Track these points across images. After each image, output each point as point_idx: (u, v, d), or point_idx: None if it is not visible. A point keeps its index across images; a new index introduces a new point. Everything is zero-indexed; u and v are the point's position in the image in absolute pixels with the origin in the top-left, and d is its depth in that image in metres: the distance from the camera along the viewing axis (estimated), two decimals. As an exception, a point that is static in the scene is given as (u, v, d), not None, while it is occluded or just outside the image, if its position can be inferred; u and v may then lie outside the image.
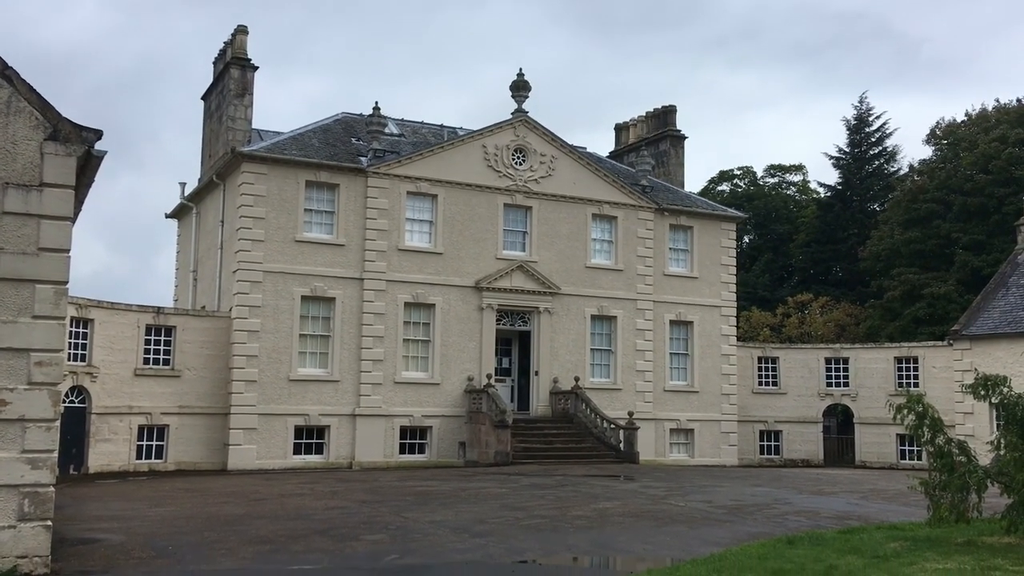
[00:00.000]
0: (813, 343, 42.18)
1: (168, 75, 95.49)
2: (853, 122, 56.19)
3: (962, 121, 49.60)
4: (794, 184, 64.80)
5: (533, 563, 12.06)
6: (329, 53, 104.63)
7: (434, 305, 30.49)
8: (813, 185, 62.11)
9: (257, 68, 31.18)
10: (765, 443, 36.93)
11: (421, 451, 29.92)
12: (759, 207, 58.99)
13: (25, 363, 10.77)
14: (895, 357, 36.12)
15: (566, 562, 12.43)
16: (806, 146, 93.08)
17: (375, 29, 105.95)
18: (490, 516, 15.91)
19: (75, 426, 25.27)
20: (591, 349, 32.90)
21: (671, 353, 34.60)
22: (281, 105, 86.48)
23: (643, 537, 14.08)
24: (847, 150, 56.13)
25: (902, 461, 35.04)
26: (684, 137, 39.32)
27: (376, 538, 13.67)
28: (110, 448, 26.18)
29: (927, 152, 52.65)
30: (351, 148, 31.00)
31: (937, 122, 51.01)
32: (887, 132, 55.88)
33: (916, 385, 34.33)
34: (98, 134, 11.59)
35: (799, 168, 64.86)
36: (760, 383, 37.11)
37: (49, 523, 10.69)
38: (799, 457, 36.43)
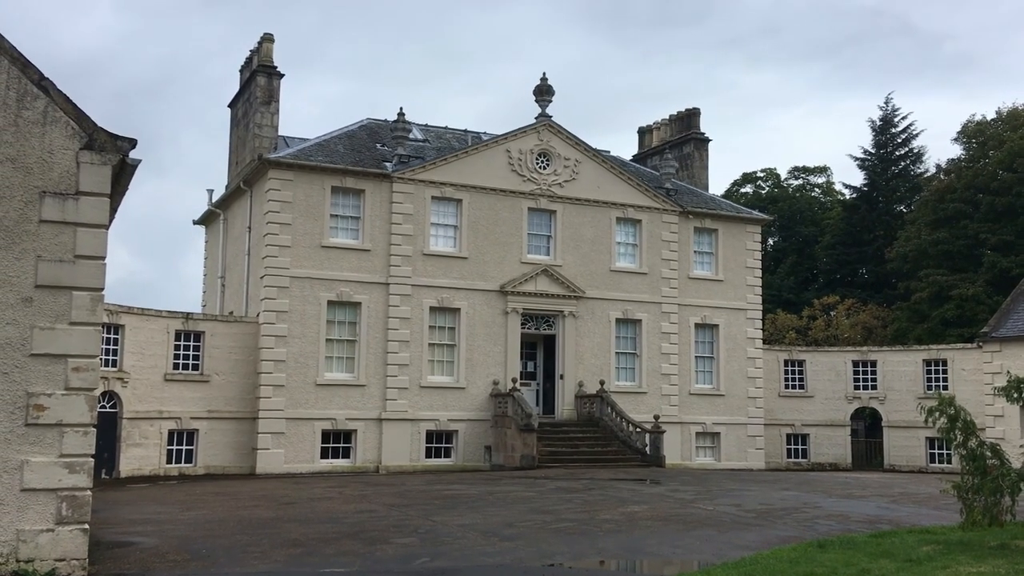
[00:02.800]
0: (840, 346, 41.88)
1: (186, 79, 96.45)
2: (879, 123, 55.79)
3: (992, 119, 49.08)
4: (818, 186, 64.40)
5: (563, 567, 12.08)
6: (344, 56, 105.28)
7: (459, 309, 30.60)
8: (838, 187, 61.70)
9: (283, 76, 31.49)
10: (792, 447, 36.71)
11: (447, 455, 30.02)
12: (783, 209, 58.66)
13: (63, 369, 10.94)
14: (924, 360, 35.80)
15: (596, 566, 12.44)
16: (829, 146, 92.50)
17: (390, 32, 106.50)
18: (518, 520, 15.95)
19: (107, 431, 25.57)
20: (616, 352, 32.87)
21: (696, 356, 34.50)
22: (299, 110, 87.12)
23: (672, 541, 14.07)
24: (872, 151, 55.72)
25: (931, 464, 34.71)
26: (708, 140, 39.25)
27: (406, 541, 13.75)
28: (141, 452, 26.48)
29: (951, 150, 52.42)
30: (376, 154, 31.20)
31: (967, 121, 50.52)
32: (913, 133, 55.44)
33: (945, 388, 33.98)
34: (132, 143, 11.77)
35: (823, 170, 64.49)
36: (787, 386, 36.90)
37: (86, 526, 10.85)
38: (827, 461, 36.18)
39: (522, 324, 31.60)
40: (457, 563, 12.12)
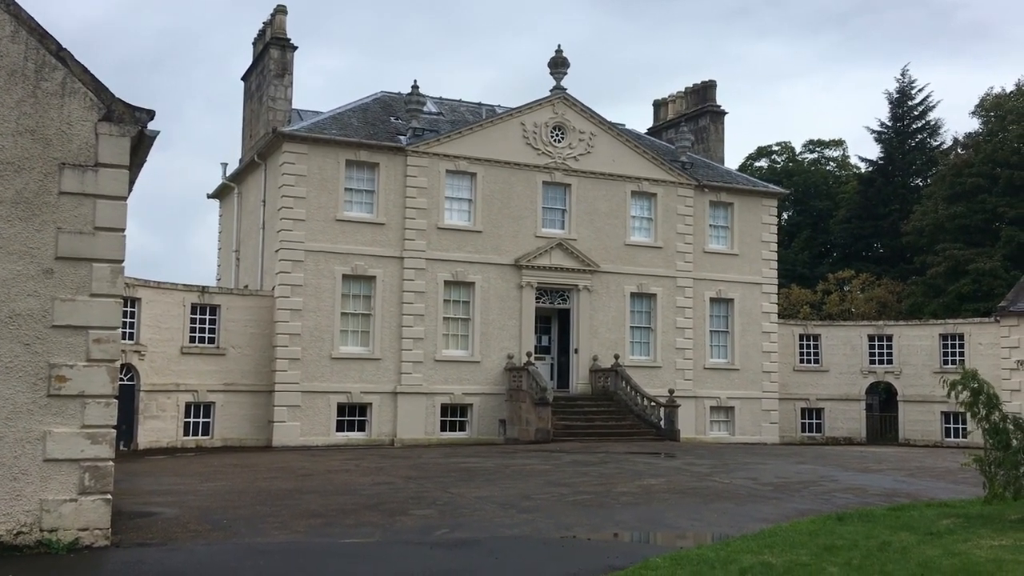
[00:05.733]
0: (853, 320, 41.67)
1: (189, 51, 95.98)
2: (895, 95, 55.16)
3: (1011, 92, 48.45)
4: (833, 159, 63.86)
5: (581, 538, 12.11)
6: (349, 29, 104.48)
7: (474, 283, 30.57)
8: (853, 160, 61.19)
9: (296, 48, 31.35)
10: (806, 421, 36.68)
11: (462, 428, 30.12)
12: (798, 183, 58.20)
13: (84, 340, 10.95)
14: (940, 334, 35.63)
15: (614, 537, 12.45)
16: (842, 118, 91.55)
17: (396, 4, 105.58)
18: (535, 492, 16.00)
19: (124, 403, 25.68)
20: (631, 327, 32.83)
21: (711, 331, 34.42)
22: (305, 83, 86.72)
23: (690, 514, 14.09)
24: (889, 124, 55.14)
25: (947, 439, 34.64)
26: (724, 113, 38.94)
27: (425, 513, 13.81)
28: (158, 425, 26.68)
29: (966, 122, 51.69)
30: (390, 127, 31.07)
31: (984, 94, 49.90)
32: (930, 105, 54.82)
33: (962, 362, 33.79)
34: (151, 114, 11.71)
35: (839, 143, 63.92)
36: (802, 360, 36.80)
37: (109, 496, 10.92)
38: (841, 435, 36.15)
39: (537, 298, 31.56)
40: (476, 534, 12.16)
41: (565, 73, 32.67)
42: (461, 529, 12.52)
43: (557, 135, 32.21)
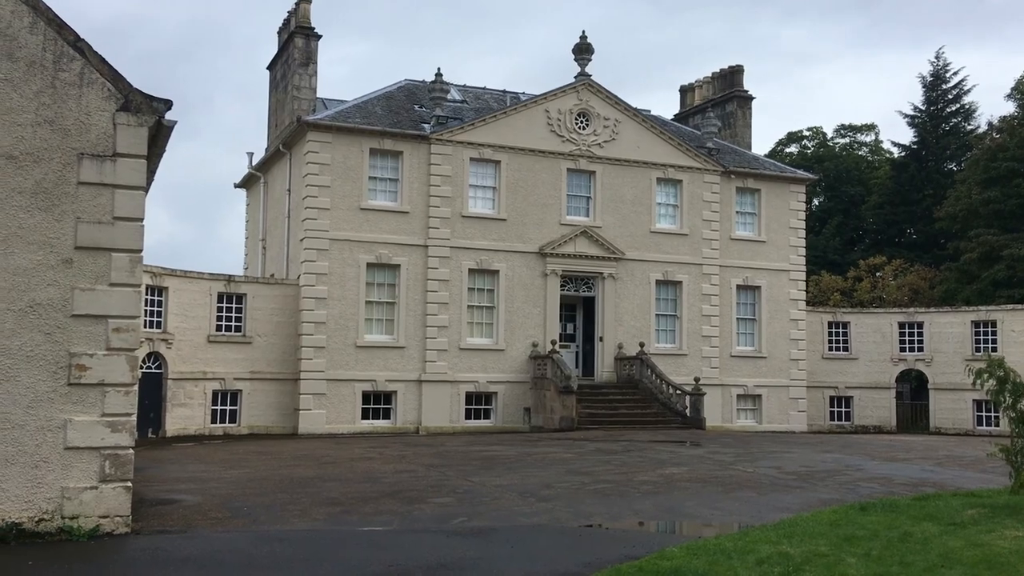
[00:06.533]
0: (886, 307, 41.12)
1: (216, 41, 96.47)
2: (929, 79, 54.23)
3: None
4: (865, 144, 62.97)
5: (599, 527, 12.06)
6: (374, 17, 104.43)
7: (498, 271, 30.53)
8: (886, 145, 60.30)
9: (320, 37, 31.41)
10: (835, 409, 36.30)
11: (487, 416, 30.15)
12: (829, 168, 57.49)
13: (103, 329, 11.04)
14: (972, 321, 35.04)
15: (633, 526, 12.40)
16: (874, 102, 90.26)
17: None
18: (556, 481, 15.96)
19: (152, 391, 26.08)
20: (656, 315, 32.63)
21: (738, 318, 34.13)
22: (327, 71, 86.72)
23: (710, 503, 13.98)
24: (922, 108, 54.25)
25: (978, 427, 34.12)
26: (751, 98, 38.52)
27: (444, 501, 13.83)
28: (186, 412, 26.97)
29: (1000, 105, 50.64)
30: (414, 115, 31.05)
31: (1021, 77, 48.89)
32: (965, 89, 53.84)
33: (994, 350, 33.24)
34: (168, 104, 11.75)
35: (871, 128, 63.03)
36: (830, 348, 36.39)
37: (129, 484, 11.03)
38: (871, 424, 35.73)
39: (561, 286, 31.45)
40: (494, 523, 12.15)
41: (589, 59, 32.43)
42: (479, 518, 12.51)
43: (582, 122, 32.02)
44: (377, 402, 29.11)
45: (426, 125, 30.37)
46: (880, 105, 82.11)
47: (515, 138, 31.05)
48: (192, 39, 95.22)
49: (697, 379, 30.54)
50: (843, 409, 36.36)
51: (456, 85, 34.09)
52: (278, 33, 34.08)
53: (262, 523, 12.07)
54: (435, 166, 30.02)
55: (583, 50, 32.45)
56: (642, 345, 31.28)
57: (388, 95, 32.13)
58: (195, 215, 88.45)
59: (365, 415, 28.86)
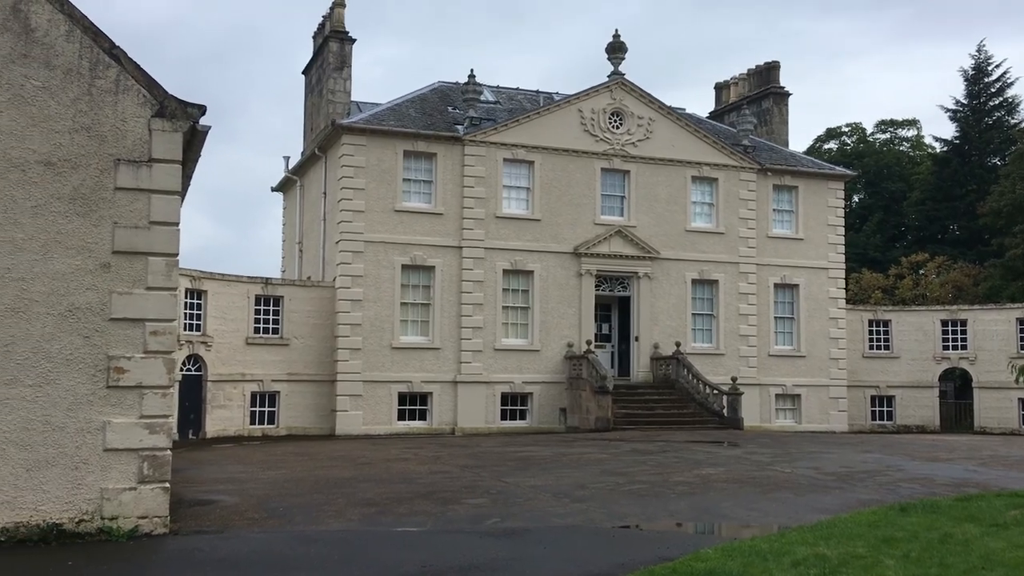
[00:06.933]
0: (928, 305, 40.40)
1: (252, 45, 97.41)
2: (971, 72, 53.20)
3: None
4: (907, 139, 61.96)
5: (634, 528, 11.99)
6: (407, 19, 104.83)
7: (532, 272, 30.51)
8: (927, 140, 59.29)
9: (355, 41, 31.65)
10: (877, 409, 35.74)
11: (522, 417, 30.14)
12: (869, 164, 56.65)
13: (140, 333, 11.21)
14: (1017, 318, 34.31)
15: (668, 527, 12.31)
16: (915, 97, 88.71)
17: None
18: (590, 481, 15.90)
19: (193, 393, 26.44)
20: (692, 314, 32.39)
21: (776, 317, 33.76)
22: (364, 73, 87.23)
23: (747, 504, 13.83)
24: (964, 102, 53.22)
25: (1025, 427, 33.41)
26: (788, 94, 38.09)
27: (478, 502, 13.83)
28: (225, 414, 27.29)
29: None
30: (447, 117, 31.13)
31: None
32: (1008, 81, 52.72)
33: (1041, 348, 32.54)
34: (202, 109, 11.89)
35: (912, 123, 61.98)
36: (871, 347, 35.84)
37: (167, 485, 11.18)
38: (913, 423, 35.13)
39: (596, 286, 31.35)
40: (527, 524, 12.13)
41: (623, 58, 32.29)
42: (512, 518, 12.50)
43: (615, 121, 31.89)
44: (413, 403, 29.23)
45: (459, 126, 30.45)
46: (921, 100, 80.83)
47: (548, 138, 31.01)
48: (229, 44, 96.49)
49: (734, 379, 30.26)
50: (885, 409, 35.79)
51: (489, 86, 34.13)
52: (313, 38, 34.39)
53: (298, 523, 12.17)
54: (469, 167, 30.09)
55: (616, 49, 32.32)
56: (678, 345, 31.07)
57: (422, 97, 32.27)
58: (234, 219, 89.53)
59: (401, 416, 29.00)
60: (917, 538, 10.05)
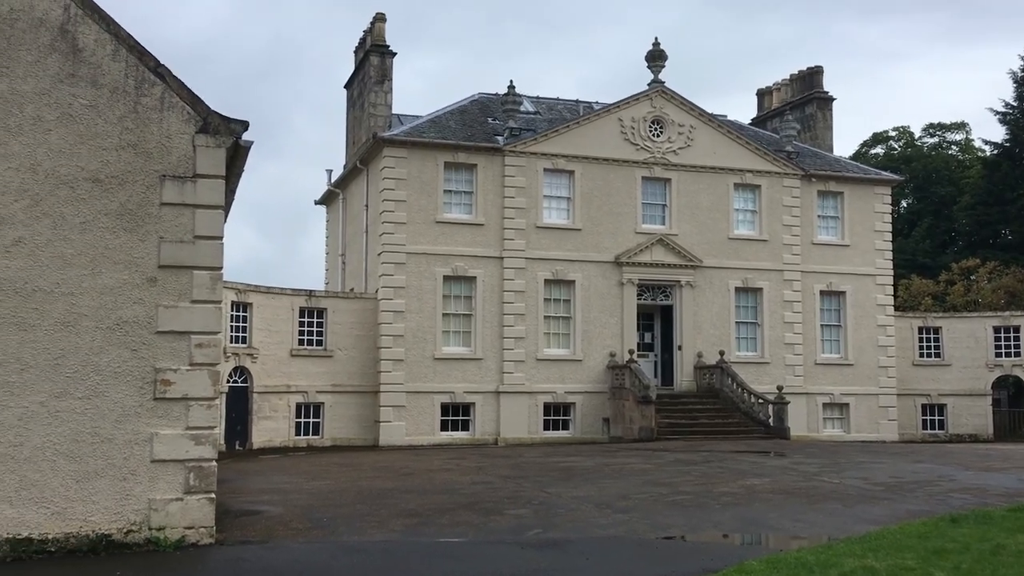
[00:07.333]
0: (980, 311, 39.51)
1: (294, 61, 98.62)
2: (1020, 73, 52.06)
3: None
4: (956, 143, 60.79)
5: (677, 539, 11.87)
6: (447, 30, 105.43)
7: (574, 281, 30.45)
8: (977, 143, 58.09)
9: (395, 54, 31.94)
10: (928, 417, 35.02)
11: (565, 427, 30.04)
12: (917, 169, 55.69)
13: (186, 345, 11.37)
14: (1073, 324, 33.44)
15: (712, 539, 12.16)
16: (964, 99, 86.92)
17: (490, 3, 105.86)
18: (633, 492, 15.78)
19: (239, 404, 26.79)
20: (736, 322, 32.06)
21: (822, 325, 33.28)
22: (405, 86, 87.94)
23: (793, 515, 13.61)
24: (1014, 104, 52.05)
25: (1084, 436, 32.47)
26: (832, 99, 37.65)
27: (520, 513, 13.80)
28: (271, 425, 27.60)
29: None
30: (487, 128, 31.26)
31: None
32: (1060, 81, 51.48)
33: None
34: (244, 125, 12.07)
35: (961, 126, 60.80)
36: (921, 354, 35.16)
37: (212, 495, 11.32)
38: (966, 432, 34.37)
39: (638, 295, 31.18)
40: (569, 534, 12.07)
41: (663, 66, 32.17)
42: (554, 529, 12.45)
43: (655, 129, 31.75)
44: (456, 414, 29.29)
45: (499, 137, 30.55)
46: (969, 102, 79.32)
47: (588, 148, 30.97)
48: (273, 60, 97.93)
49: (780, 388, 29.86)
50: (936, 417, 35.06)
51: (529, 96, 34.21)
52: (354, 52, 34.78)
53: (341, 534, 12.24)
54: (509, 178, 30.16)
55: (656, 57, 32.21)
56: (722, 353, 30.76)
57: (462, 109, 32.44)
58: (279, 232, 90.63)
59: (444, 427, 29.07)
60: (968, 550, 9.80)
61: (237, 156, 12.77)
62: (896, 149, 60.08)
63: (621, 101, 31.72)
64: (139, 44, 11.52)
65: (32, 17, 11.14)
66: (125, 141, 11.38)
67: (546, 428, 29.82)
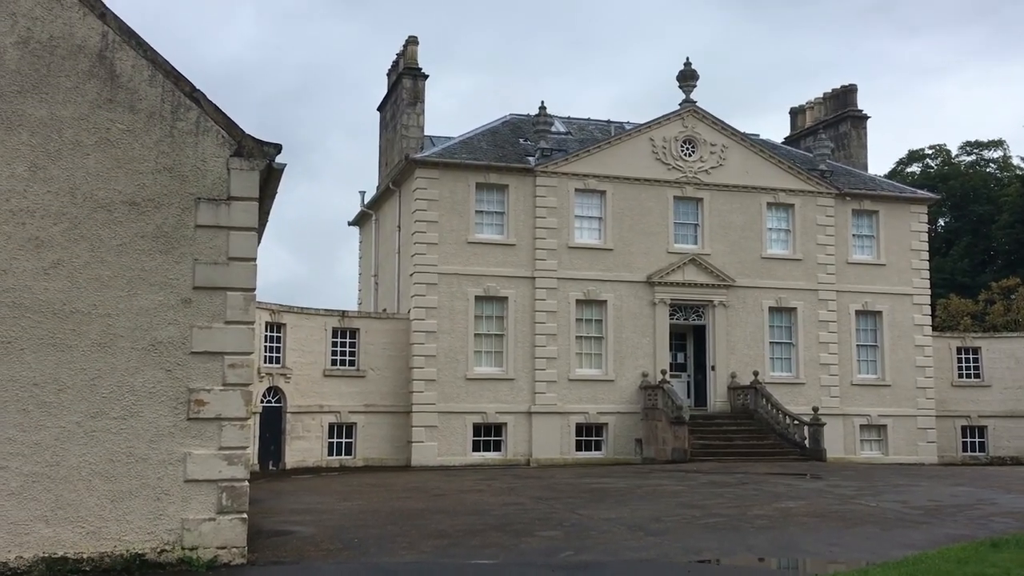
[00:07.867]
0: (1021, 331, 38.76)
1: (328, 83, 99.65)
2: (1060, 88, 51.33)
3: None
4: (993, 161, 59.96)
5: (712, 563, 11.72)
6: (478, 51, 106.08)
7: (606, 302, 30.36)
8: (1015, 161, 57.27)
9: (427, 77, 32.18)
10: (968, 440, 34.33)
11: (597, 448, 29.85)
12: (955, 187, 54.98)
13: (220, 366, 11.49)
14: (1118, 344, 32.67)
15: (746, 563, 12.01)
16: (1001, 116, 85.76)
17: (521, 24, 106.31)
18: (666, 514, 15.62)
19: (273, 424, 26.95)
20: (770, 343, 31.73)
21: (858, 345, 32.82)
22: (437, 107, 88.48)
23: (829, 539, 13.39)
24: (1054, 120, 51.32)
25: None
26: (866, 117, 37.30)
27: (551, 534, 13.71)
28: (304, 445, 27.72)
29: None
30: (519, 149, 31.37)
31: None
32: (1101, 97, 50.68)
33: None
34: (278, 148, 12.24)
35: (998, 143, 60.00)
36: (960, 375, 34.52)
37: (244, 516, 11.38)
38: (1008, 454, 33.63)
39: (670, 315, 31.00)
40: (600, 557, 11.97)
41: (694, 85, 32.12)
42: (586, 552, 12.35)
43: (687, 149, 31.67)
44: (488, 434, 29.24)
45: (531, 158, 30.64)
46: (1007, 119, 78.18)
47: (620, 168, 30.96)
48: (307, 83, 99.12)
49: (816, 409, 29.47)
50: (976, 440, 34.37)
51: (560, 117, 34.29)
52: (387, 75, 35.12)
53: (371, 555, 12.24)
54: (540, 198, 30.21)
55: (687, 77, 32.18)
56: (756, 374, 30.45)
57: (493, 130, 32.61)
58: (313, 253, 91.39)
59: (476, 447, 29.02)
60: (1009, 575, 9.57)
61: (271, 178, 12.94)
62: (932, 167, 59.39)
63: (652, 121, 31.70)
64: (175, 69, 11.74)
65: (71, 44, 11.40)
66: (161, 165, 11.58)
67: (578, 449, 29.65)
